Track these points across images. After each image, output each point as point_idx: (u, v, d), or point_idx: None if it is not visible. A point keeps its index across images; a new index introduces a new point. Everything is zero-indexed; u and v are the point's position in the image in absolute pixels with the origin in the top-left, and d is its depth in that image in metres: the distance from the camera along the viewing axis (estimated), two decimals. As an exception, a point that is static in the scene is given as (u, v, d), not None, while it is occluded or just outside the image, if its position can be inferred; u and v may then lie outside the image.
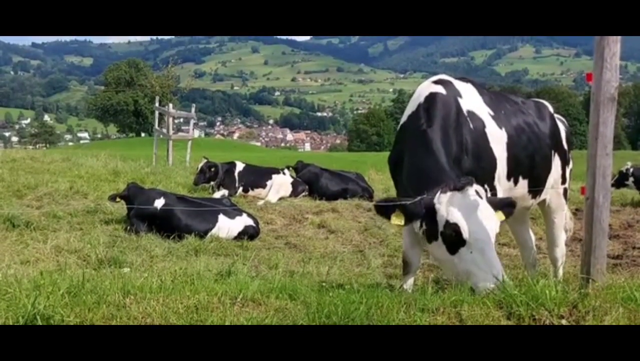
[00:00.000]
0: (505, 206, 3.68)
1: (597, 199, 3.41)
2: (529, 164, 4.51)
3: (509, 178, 4.31)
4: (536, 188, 4.67)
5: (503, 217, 3.63)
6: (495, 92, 4.87)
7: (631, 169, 11.33)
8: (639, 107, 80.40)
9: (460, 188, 3.49)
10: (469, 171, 3.87)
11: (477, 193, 3.50)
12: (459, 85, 4.23)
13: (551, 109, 5.06)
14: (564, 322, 3.03)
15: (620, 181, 11.43)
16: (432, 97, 4.02)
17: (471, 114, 4.05)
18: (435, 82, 4.16)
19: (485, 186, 3.94)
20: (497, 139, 4.16)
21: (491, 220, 3.49)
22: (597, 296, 3.19)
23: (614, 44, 3.38)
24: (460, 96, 4.09)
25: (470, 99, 4.16)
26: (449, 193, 3.51)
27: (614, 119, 3.42)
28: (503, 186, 4.25)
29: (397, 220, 3.65)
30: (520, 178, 4.45)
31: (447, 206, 3.50)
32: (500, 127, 4.25)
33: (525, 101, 4.97)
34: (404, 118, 4.19)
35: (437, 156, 3.75)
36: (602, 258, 3.49)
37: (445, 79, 4.23)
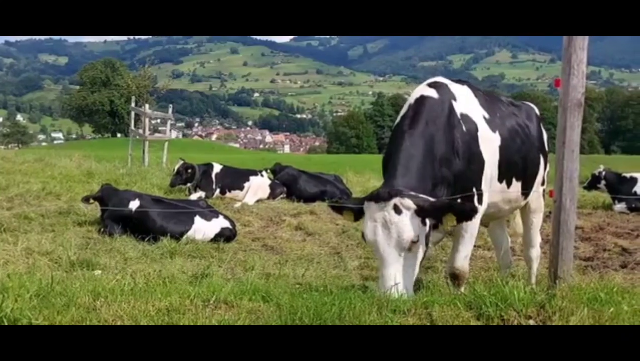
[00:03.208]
0: (460, 212, 3.67)
1: (564, 203, 3.49)
2: (522, 166, 4.60)
3: (501, 180, 4.38)
4: (528, 189, 4.77)
5: (454, 222, 3.66)
6: (489, 94, 4.93)
7: (603, 173, 11.59)
8: (612, 112, 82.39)
9: (379, 199, 3.53)
10: (460, 172, 3.96)
11: (396, 206, 3.49)
12: (455, 88, 4.27)
13: (537, 111, 5.19)
14: (531, 322, 3.10)
15: (592, 184, 11.69)
16: (420, 101, 4.07)
17: (465, 117, 4.12)
18: (430, 85, 4.22)
19: (473, 188, 4.05)
20: (489, 143, 4.22)
21: (402, 234, 3.49)
22: (564, 297, 3.27)
23: (581, 51, 3.47)
24: (455, 99, 4.15)
25: (465, 102, 4.21)
26: (371, 202, 3.59)
27: (580, 123, 3.51)
28: (495, 188, 4.32)
29: (346, 217, 3.93)
30: (514, 180, 4.53)
31: (365, 215, 3.64)
32: (494, 131, 4.31)
33: (516, 103, 5.07)
34: (397, 119, 4.25)
35: (401, 160, 3.78)
36: (569, 260, 3.57)
37: (441, 82, 4.28)
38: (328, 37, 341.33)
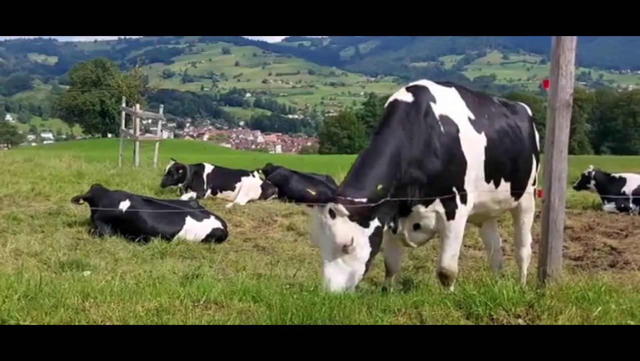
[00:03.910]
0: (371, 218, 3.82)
1: (552, 202, 3.52)
2: (512, 167, 4.63)
3: (488, 181, 4.42)
4: (519, 189, 4.79)
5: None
6: (481, 95, 4.95)
7: (593, 173, 11.68)
8: (602, 113, 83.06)
9: (320, 203, 3.75)
10: (437, 172, 4.02)
11: (331, 211, 3.65)
12: (438, 90, 4.33)
13: (530, 112, 5.21)
14: (520, 321, 3.12)
15: (582, 184, 11.77)
16: (392, 105, 4.20)
17: (444, 118, 4.17)
18: (408, 89, 4.31)
19: (453, 188, 4.09)
20: (473, 143, 4.26)
21: (334, 237, 3.65)
22: (553, 296, 3.29)
23: (569, 52, 3.50)
24: (435, 101, 4.20)
25: (447, 104, 4.26)
26: (318, 206, 3.78)
27: (569, 124, 3.54)
28: (482, 188, 4.36)
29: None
30: (502, 180, 4.56)
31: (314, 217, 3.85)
32: (479, 132, 4.35)
33: (508, 103, 5.09)
34: None
35: (358, 164, 3.95)
36: (558, 259, 3.60)
37: (421, 85, 4.35)
38: (320, 37, 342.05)
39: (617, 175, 11.66)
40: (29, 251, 6.21)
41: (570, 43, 3.51)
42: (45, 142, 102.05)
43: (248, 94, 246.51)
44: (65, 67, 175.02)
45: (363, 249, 3.75)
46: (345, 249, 3.66)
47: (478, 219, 4.99)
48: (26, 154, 16.06)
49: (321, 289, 3.61)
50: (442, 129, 4.11)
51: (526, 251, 5.41)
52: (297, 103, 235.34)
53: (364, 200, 3.71)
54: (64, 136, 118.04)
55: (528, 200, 5.21)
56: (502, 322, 3.10)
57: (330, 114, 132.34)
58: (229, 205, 10.17)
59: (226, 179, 11.08)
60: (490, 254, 5.49)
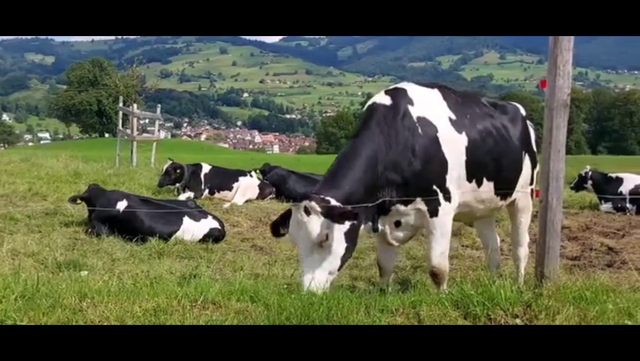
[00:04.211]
0: (346, 216, 3.89)
1: (550, 202, 3.53)
2: (495, 167, 4.65)
3: (470, 180, 4.45)
4: (504, 189, 4.80)
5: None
6: (468, 95, 4.97)
7: (590, 173, 11.71)
8: (599, 113, 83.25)
9: (296, 202, 3.93)
10: (416, 173, 4.14)
11: (306, 208, 3.82)
12: (417, 92, 4.41)
13: (523, 112, 5.21)
14: (518, 321, 3.12)
15: (579, 184, 11.81)
16: (370, 108, 4.34)
17: (422, 120, 4.26)
18: (387, 92, 4.43)
19: (434, 187, 4.18)
20: (453, 143, 4.33)
21: (309, 233, 3.82)
22: (550, 295, 3.30)
23: (567, 52, 3.51)
24: (412, 104, 4.31)
25: (425, 106, 4.34)
26: (295, 205, 3.95)
27: (566, 124, 3.55)
28: (464, 188, 4.40)
29: None
30: (485, 180, 4.59)
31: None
32: (460, 132, 4.40)
33: (498, 103, 5.09)
34: None
35: (333, 167, 4.12)
36: (555, 259, 3.60)
37: (401, 88, 4.45)
38: (317, 37, 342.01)
39: (614, 175, 11.69)
40: (26, 251, 6.19)
41: (567, 43, 3.52)
42: (42, 142, 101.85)
43: (245, 94, 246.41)
44: (62, 67, 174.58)
45: (339, 245, 3.88)
46: (321, 245, 3.81)
47: (464, 218, 5.08)
48: (23, 154, 16.04)
49: (300, 286, 3.78)
50: (419, 130, 4.21)
51: (523, 251, 5.42)
52: (295, 103, 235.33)
53: (338, 202, 3.88)
54: (61, 136, 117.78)
55: (524, 200, 5.21)
56: (500, 322, 3.11)
57: (328, 114, 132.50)
58: (227, 205, 10.16)
59: (224, 179, 11.07)
60: (488, 254, 5.49)
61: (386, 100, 4.31)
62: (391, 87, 4.54)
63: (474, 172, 4.45)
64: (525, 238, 5.41)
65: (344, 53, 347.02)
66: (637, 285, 4.74)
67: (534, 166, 5.20)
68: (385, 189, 4.12)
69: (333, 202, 3.86)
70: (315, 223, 3.79)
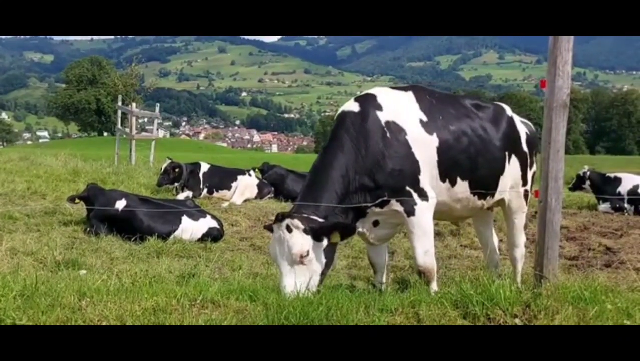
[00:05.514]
0: (343, 229, 4.05)
1: (549, 202, 3.53)
2: (470, 166, 4.66)
3: (443, 180, 4.51)
4: (481, 189, 4.79)
5: (338, 238, 4.05)
6: (446, 96, 4.97)
7: (588, 173, 11.73)
8: (597, 113, 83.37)
9: (277, 220, 3.99)
10: (387, 175, 4.21)
11: (288, 225, 3.91)
12: (386, 97, 4.48)
13: (509, 112, 5.16)
14: (517, 321, 3.12)
15: (577, 184, 11.83)
16: (339, 117, 4.41)
17: (390, 124, 4.33)
18: (356, 99, 4.51)
19: (407, 187, 4.25)
20: (423, 145, 4.39)
21: (291, 250, 3.89)
22: (549, 295, 3.30)
23: (566, 52, 3.51)
24: (380, 109, 4.37)
25: (394, 110, 4.40)
26: (276, 223, 4.00)
27: (566, 124, 3.55)
28: (438, 187, 4.45)
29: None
30: (459, 179, 4.61)
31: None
32: (431, 133, 4.45)
33: (481, 104, 5.05)
34: None
35: (309, 179, 4.26)
36: (554, 259, 3.60)
37: (370, 94, 4.52)
38: (316, 37, 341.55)
39: (612, 175, 11.72)
40: (24, 250, 6.18)
41: (567, 43, 3.52)
42: (40, 140, 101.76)
43: (244, 93, 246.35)
44: (61, 66, 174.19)
45: (318, 260, 3.98)
46: (301, 260, 3.89)
47: (444, 217, 5.13)
48: (22, 152, 16.02)
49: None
50: (388, 135, 4.27)
51: (519, 252, 5.40)
52: (294, 102, 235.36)
53: (320, 219, 3.99)
54: (59, 135, 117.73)
55: (517, 200, 5.19)
56: (499, 322, 3.11)
57: (327, 114, 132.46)
58: (225, 204, 10.16)
59: (222, 178, 11.07)
60: (486, 253, 5.49)
61: (354, 107, 4.37)
62: (362, 92, 4.62)
63: (448, 172, 4.49)
64: (521, 239, 5.39)
65: (343, 52, 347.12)
66: (635, 285, 4.74)
67: (526, 166, 5.17)
68: (359, 194, 4.22)
69: (315, 218, 3.96)
70: (297, 239, 3.89)
